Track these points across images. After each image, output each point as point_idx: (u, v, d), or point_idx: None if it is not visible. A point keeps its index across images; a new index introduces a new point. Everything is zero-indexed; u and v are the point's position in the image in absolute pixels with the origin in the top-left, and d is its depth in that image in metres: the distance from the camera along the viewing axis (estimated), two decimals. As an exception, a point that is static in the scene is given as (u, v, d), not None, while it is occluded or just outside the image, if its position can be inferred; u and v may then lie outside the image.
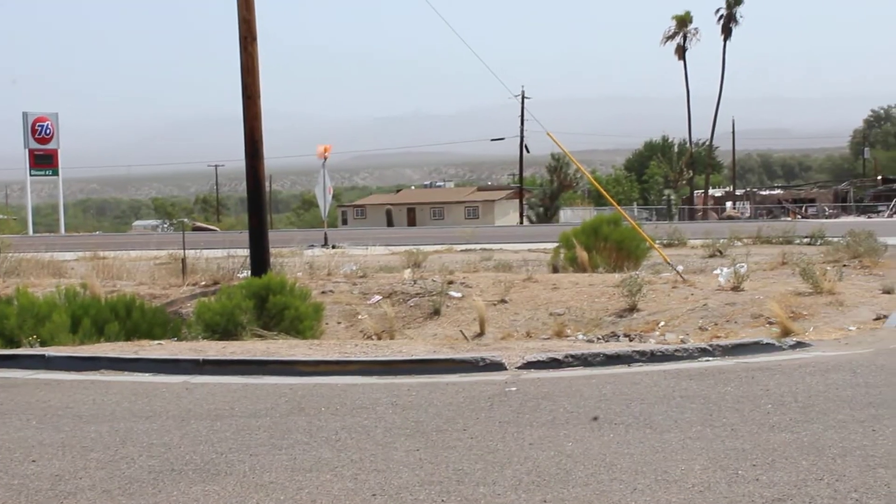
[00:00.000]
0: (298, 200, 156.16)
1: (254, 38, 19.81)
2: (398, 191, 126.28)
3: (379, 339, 15.92)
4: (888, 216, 68.39)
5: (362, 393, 10.60)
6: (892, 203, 74.74)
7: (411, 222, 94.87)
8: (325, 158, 38.86)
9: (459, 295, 19.10)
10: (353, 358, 12.42)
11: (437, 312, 18.43)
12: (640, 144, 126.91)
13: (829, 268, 19.96)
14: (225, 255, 23.92)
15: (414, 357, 12.39)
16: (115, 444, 8.56)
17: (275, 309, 16.38)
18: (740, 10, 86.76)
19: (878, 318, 15.08)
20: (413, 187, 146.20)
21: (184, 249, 23.75)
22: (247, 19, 19.73)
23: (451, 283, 19.79)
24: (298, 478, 7.42)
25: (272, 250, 21.28)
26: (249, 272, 19.77)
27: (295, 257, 26.63)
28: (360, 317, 18.45)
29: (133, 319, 16.47)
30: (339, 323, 18.41)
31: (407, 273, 21.84)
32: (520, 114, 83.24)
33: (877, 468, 7.22)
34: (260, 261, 19.65)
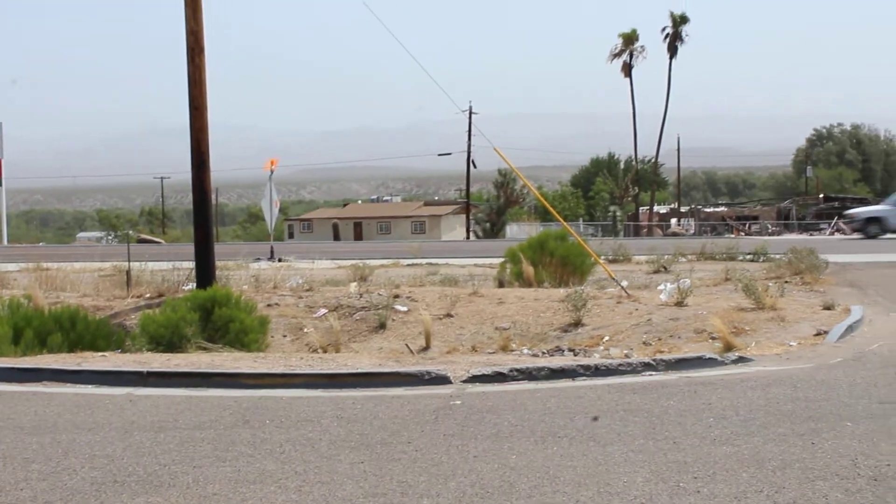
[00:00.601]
0: (245, 213, 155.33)
1: (201, 50, 19.74)
2: (345, 205, 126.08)
3: (324, 352, 15.89)
4: (830, 234, 69.17)
5: (307, 406, 10.59)
6: (834, 221, 75.57)
7: (358, 236, 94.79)
8: (272, 171, 38.74)
9: (405, 309, 19.13)
10: (298, 371, 12.41)
11: (382, 326, 18.44)
12: (587, 161, 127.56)
13: (771, 284, 20.19)
14: (170, 267, 23.77)
15: (359, 370, 12.40)
16: (58, 456, 8.50)
17: (220, 321, 16.30)
18: (686, 29, 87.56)
19: (818, 334, 15.27)
20: (360, 201, 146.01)
21: (128, 261, 23.58)
22: (194, 31, 19.66)
23: (397, 296, 19.81)
24: (242, 490, 7.41)
25: (218, 263, 21.19)
26: (195, 285, 19.67)
27: (241, 270, 26.53)
28: (305, 330, 18.41)
29: (77, 331, 16.31)
30: (284, 336, 18.36)
31: (353, 287, 21.82)
32: (467, 129, 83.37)
33: (815, 480, 7.33)
34: (205, 273, 19.56)
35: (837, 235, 65.30)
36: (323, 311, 19.31)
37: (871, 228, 48.15)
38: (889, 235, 45.49)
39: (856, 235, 47.13)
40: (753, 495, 7.02)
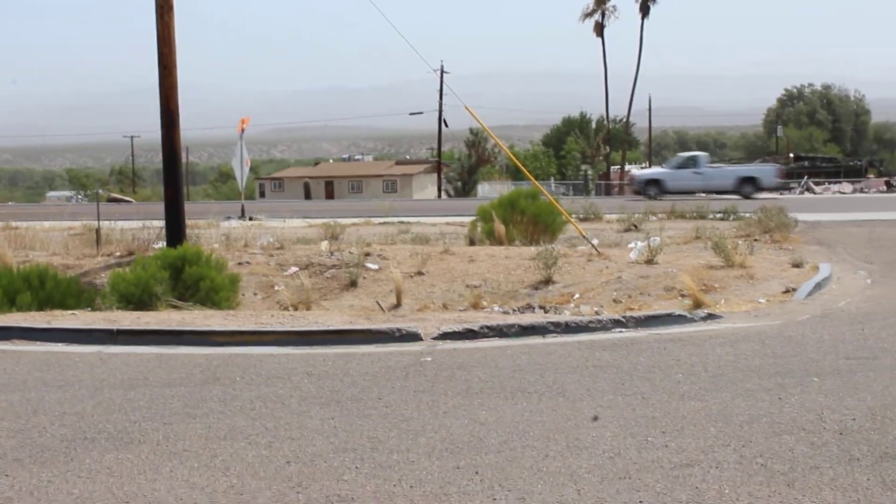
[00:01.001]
0: (216, 173, 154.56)
1: (170, 7, 19.58)
2: (316, 164, 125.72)
3: (295, 310, 15.87)
4: (799, 193, 69.47)
5: (278, 363, 10.61)
6: (804, 180, 75.87)
7: (329, 195, 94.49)
8: (243, 131, 38.59)
9: (376, 267, 19.11)
10: (269, 328, 12.40)
11: (353, 284, 18.42)
12: (559, 120, 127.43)
13: (740, 242, 20.32)
14: (140, 226, 23.65)
15: (330, 328, 12.41)
16: (27, 414, 8.48)
17: (190, 280, 16.27)
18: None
19: (787, 291, 15.40)
20: (331, 160, 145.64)
21: (98, 220, 23.48)
22: (163, -12, 19.49)
23: (368, 255, 19.78)
24: (213, 446, 7.42)
25: (189, 222, 21.12)
26: (165, 243, 19.61)
27: (211, 229, 26.42)
28: (276, 288, 18.38)
29: (46, 290, 16.24)
30: (255, 294, 18.33)
31: (324, 245, 21.79)
32: (439, 88, 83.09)
33: (782, 434, 7.40)
34: (176, 232, 19.50)
35: (807, 194, 65.62)
36: (294, 269, 19.28)
37: (651, 190, 49.64)
38: (669, 197, 46.43)
39: (637, 198, 48.06)
40: (720, 449, 7.08)
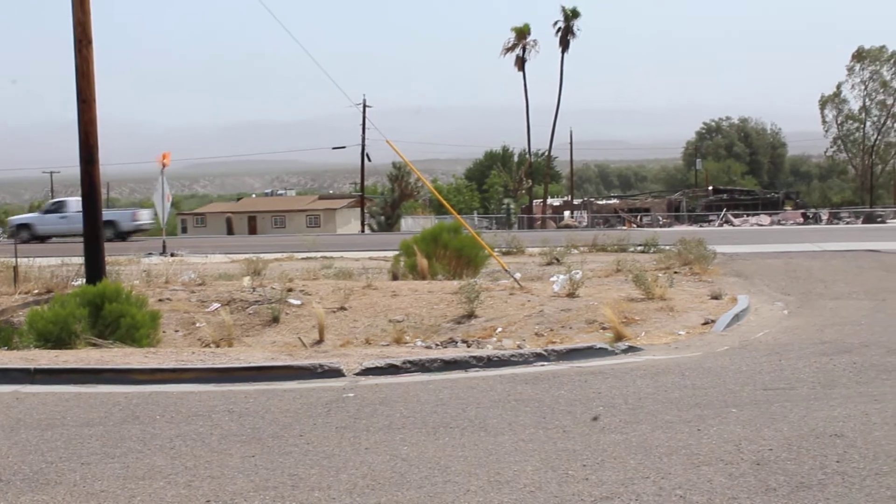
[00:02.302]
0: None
1: (89, 42, 19.43)
2: (239, 199, 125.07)
3: (217, 346, 15.75)
4: (718, 225, 70.46)
5: (199, 400, 10.51)
6: (722, 213, 77.03)
7: (252, 230, 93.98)
8: (164, 166, 38.31)
9: (299, 302, 19.04)
10: (189, 366, 12.30)
11: (276, 320, 18.32)
12: (482, 154, 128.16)
13: (660, 274, 20.53)
14: (59, 262, 23.35)
15: (252, 364, 12.33)
16: (-60, 456, 8.32)
17: (110, 317, 16.08)
18: (578, 23, 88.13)
19: (706, 323, 15.59)
20: (254, 195, 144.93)
21: (16, 257, 23.11)
22: (82, 22, 19.34)
23: (290, 290, 19.70)
24: (131, 486, 7.33)
25: (109, 258, 20.89)
26: (85, 280, 19.37)
27: (132, 265, 26.12)
28: (198, 325, 18.23)
29: (-39, 329, 15.97)
30: (176, 331, 18.16)
31: (246, 281, 21.66)
32: (361, 122, 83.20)
33: (700, 466, 7.48)
34: (95, 268, 19.28)
35: (726, 226, 66.49)
36: (216, 305, 19.14)
37: (23, 234, 51.02)
38: (50, 241, 48.04)
39: (9, 241, 49.06)
40: (640, 481, 7.13)
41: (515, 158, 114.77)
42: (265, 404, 10.17)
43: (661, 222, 76.96)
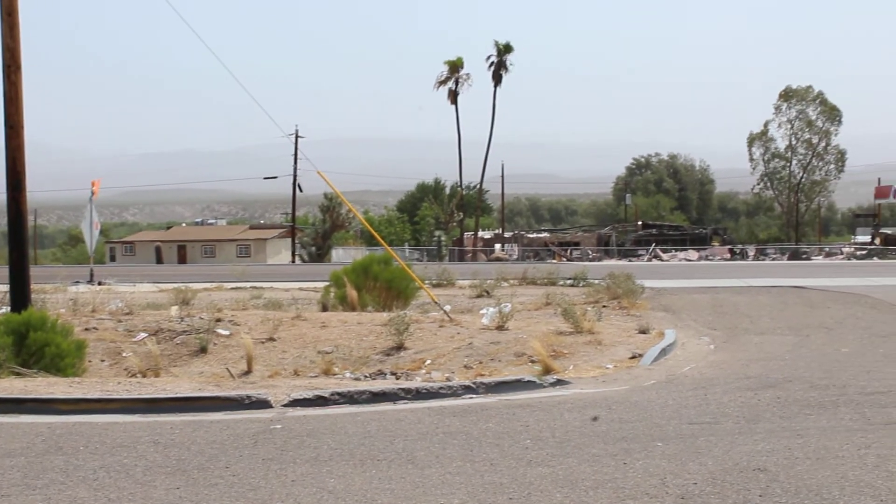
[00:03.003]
0: (65, 236, 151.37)
1: (18, 67, 19.22)
2: (169, 227, 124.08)
3: (144, 376, 15.60)
4: (647, 260, 71.06)
5: (124, 431, 10.39)
6: (651, 247, 77.73)
7: (182, 260, 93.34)
8: (93, 193, 38.00)
9: (227, 332, 18.93)
10: (115, 396, 12.16)
11: (204, 350, 18.19)
12: (414, 186, 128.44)
13: (589, 308, 20.68)
14: (-17, 290, 23.01)
15: (178, 395, 12.22)
16: None
17: (35, 346, 15.85)
18: (510, 58, 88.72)
19: (633, 357, 15.72)
20: (184, 224, 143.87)
21: (-62, 284, 22.75)
22: (11, 48, 19.13)
23: (219, 320, 19.59)
24: (53, 518, 7.24)
25: (35, 286, 20.62)
26: (9, 308, 19.10)
27: (59, 293, 25.87)
28: (124, 354, 18.04)
29: None
30: (102, 360, 17.96)
31: (174, 310, 21.49)
32: (293, 153, 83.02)
33: (626, 499, 7.53)
34: (20, 296, 19.00)
35: (655, 261, 67.08)
36: (143, 334, 18.97)
37: None
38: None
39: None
40: (566, 514, 7.17)
41: (447, 191, 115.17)
42: (191, 435, 10.08)
43: (590, 256, 77.48)
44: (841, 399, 11.86)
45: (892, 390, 12.46)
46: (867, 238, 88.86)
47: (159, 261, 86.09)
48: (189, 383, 13.65)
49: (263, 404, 11.76)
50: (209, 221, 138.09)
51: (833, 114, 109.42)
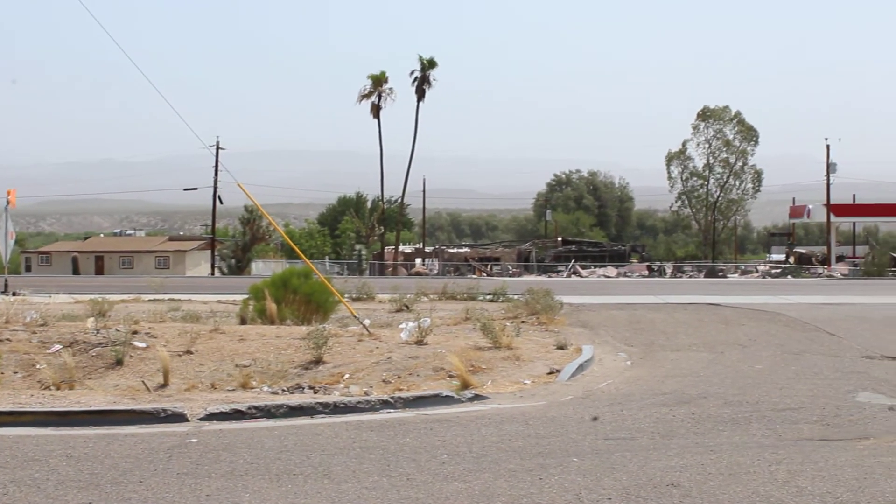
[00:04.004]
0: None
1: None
2: (87, 238, 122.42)
3: (58, 389, 15.37)
4: (566, 276, 71.47)
5: (35, 444, 10.25)
6: (571, 264, 78.19)
7: (99, 271, 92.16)
8: (8, 203, 37.45)
9: (144, 345, 18.71)
10: (27, 408, 11.99)
11: (120, 363, 17.96)
12: (335, 199, 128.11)
13: (508, 324, 20.77)
14: None
15: (93, 408, 12.08)
16: None
17: (-56, 358, 15.58)
18: (434, 73, 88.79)
19: (551, 373, 15.82)
20: (102, 235, 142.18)
21: None
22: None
23: (135, 332, 19.36)
24: (-39, 533, 7.12)
25: (-55, 296, 20.27)
26: (-81, 319, 18.75)
27: (-30, 304, 25.40)
28: (38, 366, 17.75)
29: None
30: (15, 372, 17.65)
31: (90, 322, 21.20)
32: (214, 164, 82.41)
33: (540, 514, 7.58)
34: (-70, 307, 18.68)
35: (574, 277, 67.55)
36: (58, 346, 18.69)
37: None
38: None
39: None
40: (481, 529, 7.19)
41: (369, 204, 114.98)
42: (105, 449, 9.96)
43: (510, 272, 77.74)
44: (754, 415, 12.06)
45: (803, 407, 12.69)
46: (782, 256, 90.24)
47: (76, 272, 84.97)
48: (104, 396, 13.50)
49: (179, 418, 11.67)
50: (128, 232, 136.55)
51: (750, 134, 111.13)
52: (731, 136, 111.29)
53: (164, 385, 16.18)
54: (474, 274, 72.68)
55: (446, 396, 13.27)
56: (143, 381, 16.35)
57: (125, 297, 30.75)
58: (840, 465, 9.25)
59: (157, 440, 10.45)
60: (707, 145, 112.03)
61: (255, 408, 12.08)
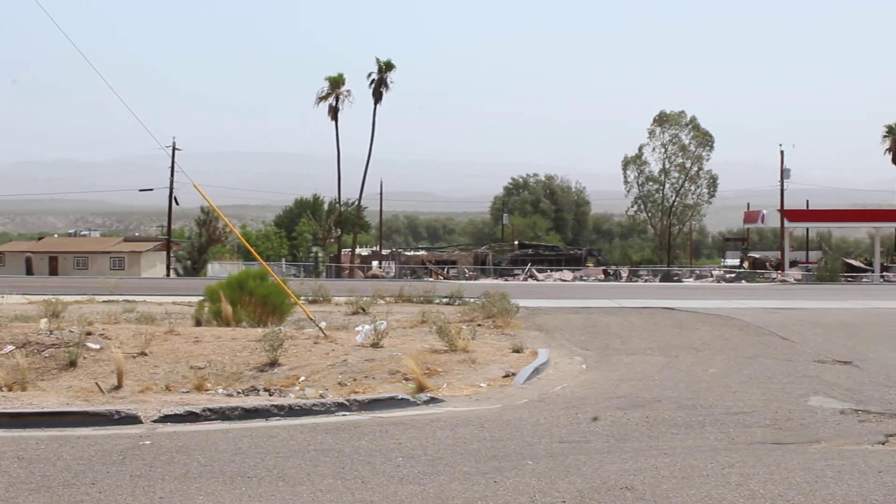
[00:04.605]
0: None
1: None
2: (40, 238, 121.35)
3: (10, 390, 15.22)
4: (523, 279, 71.69)
5: (-14, 447, 10.16)
6: (527, 267, 78.45)
7: (53, 271, 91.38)
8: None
9: (98, 346, 18.57)
10: (-22, 410, 11.87)
11: (73, 364, 17.81)
12: (292, 201, 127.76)
13: (464, 327, 20.81)
14: None
15: (45, 409, 12.00)
16: None
17: None
18: (392, 76, 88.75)
19: (507, 376, 15.85)
20: (56, 235, 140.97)
21: None
22: None
23: (89, 334, 19.21)
24: None
25: None
26: None
27: (-79, 304, 25.15)
28: (-10, 368, 17.59)
29: None
30: (-34, 374, 17.48)
31: (43, 323, 21.02)
32: (170, 165, 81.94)
33: (495, 517, 7.60)
34: None
35: (530, 281, 67.71)
36: (10, 347, 18.52)
37: None
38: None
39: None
40: (435, 532, 7.21)
41: (326, 207, 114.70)
42: (57, 451, 9.89)
43: (467, 275, 77.84)
44: (707, 419, 12.14)
45: (755, 410, 12.79)
46: (736, 261, 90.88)
47: (30, 272, 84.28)
48: (57, 398, 13.40)
49: (133, 420, 11.61)
50: (82, 233, 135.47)
51: (705, 139, 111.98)
52: (686, 141, 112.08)
53: (118, 387, 16.06)
54: (431, 277, 72.71)
55: (402, 399, 13.27)
56: (96, 383, 16.23)
57: (79, 298, 30.53)
58: (792, 468, 9.33)
59: (111, 442, 10.39)
60: (663, 150, 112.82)
61: (210, 410, 12.03)
